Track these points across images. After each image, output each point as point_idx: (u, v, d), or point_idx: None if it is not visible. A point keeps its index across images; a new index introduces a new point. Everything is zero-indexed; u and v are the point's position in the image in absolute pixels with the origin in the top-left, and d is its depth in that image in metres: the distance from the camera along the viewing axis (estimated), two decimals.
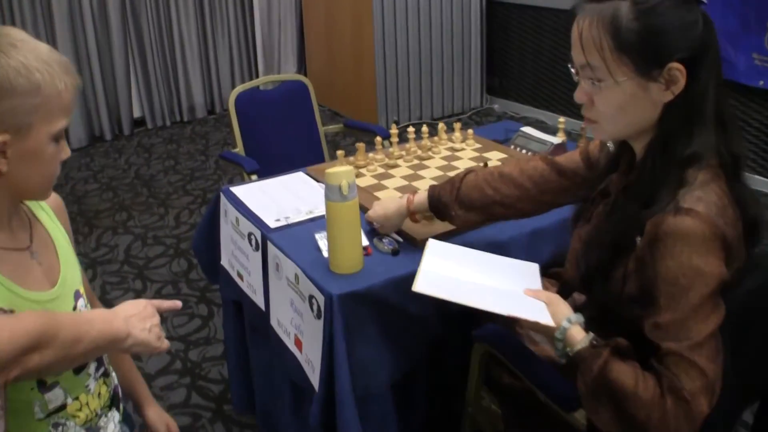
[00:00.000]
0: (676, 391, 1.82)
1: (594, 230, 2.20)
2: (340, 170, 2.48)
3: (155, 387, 3.95)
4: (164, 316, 4.54)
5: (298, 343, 2.71)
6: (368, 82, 7.70)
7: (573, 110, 7.40)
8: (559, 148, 3.51)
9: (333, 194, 2.48)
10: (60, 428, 1.83)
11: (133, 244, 5.63)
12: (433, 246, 2.59)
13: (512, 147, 3.63)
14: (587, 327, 2.09)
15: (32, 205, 1.91)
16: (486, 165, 3.19)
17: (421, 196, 2.74)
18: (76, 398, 1.87)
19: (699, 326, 1.84)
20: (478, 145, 3.67)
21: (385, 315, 2.58)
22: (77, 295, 1.91)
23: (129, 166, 7.26)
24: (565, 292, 2.37)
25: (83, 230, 5.86)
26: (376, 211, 2.83)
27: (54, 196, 1.97)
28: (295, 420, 2.94)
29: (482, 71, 8.38)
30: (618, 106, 1.98)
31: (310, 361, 2.62)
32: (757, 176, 6.12)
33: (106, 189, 6.72)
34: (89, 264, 5.29)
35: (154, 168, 7.18)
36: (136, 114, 8.28)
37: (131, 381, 2.30)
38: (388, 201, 2.85)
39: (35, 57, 1.63)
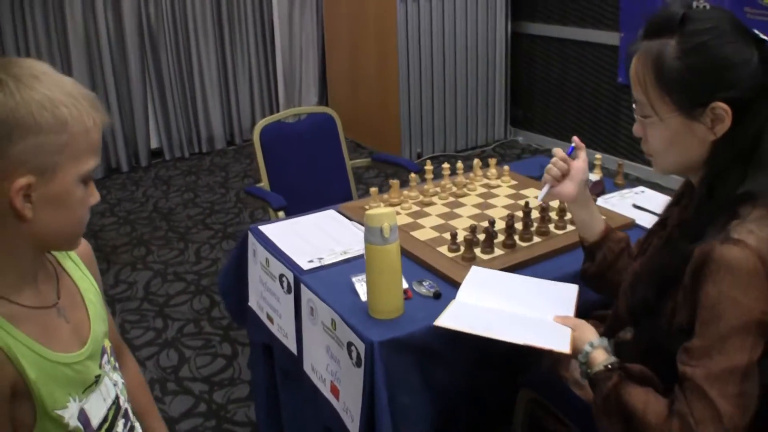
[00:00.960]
0: (682, 415, 1.83)
1: (645, 263, 2.20)
2: (382, 212, 2.37)
3: (179, 431, 3.83)
4: (186, 356, 4.43)
5: (335, 391, 2.60)
6: (392, 113, 7.64)
7: (598, 143, 7.32)
8: (597, 186, 3.42)
9: (374, 237, 2.36)
10: None
11: (153, 280, 5.51)
12: (474, 273, 2.62)
13: None
14: (637, 360, 2.07)
15: (58, 253, 1.77)
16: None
17: (601, 223, 2.52)
18: None
19: (719, 357, 1.82)
20: (514, 182, 3.57)
21: (426, 361, 2.48)
22: (103, 351, 1.79)
23: (147, 198, 7.17)
24: (615, 327, 2.33)
25: (101, 266, 5.72)
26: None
27: (83, 244, 1.83)
28: None
29: (506, 103, 8.31)
30: (666, 141, 1.99)
31: (349, 409, 2.51)
32: None
33: (124, 223, 6.61)
34: (108, 301, 5.14)
35: (173, 201, 7.08)
36: (154, 145, 8.19)
37: None
38: None
39: (60, 90, 1.50)
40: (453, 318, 2.36)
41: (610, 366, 2.04)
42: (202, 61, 8.18)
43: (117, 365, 1.88)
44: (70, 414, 1.61)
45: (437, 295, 2.59)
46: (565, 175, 2.47)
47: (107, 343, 1.83)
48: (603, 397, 2.01)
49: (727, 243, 1.81)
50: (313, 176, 4.47)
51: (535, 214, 3.07)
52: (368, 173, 7.32)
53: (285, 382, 3.11)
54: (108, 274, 5.61)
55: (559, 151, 2.50)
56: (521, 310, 2.40)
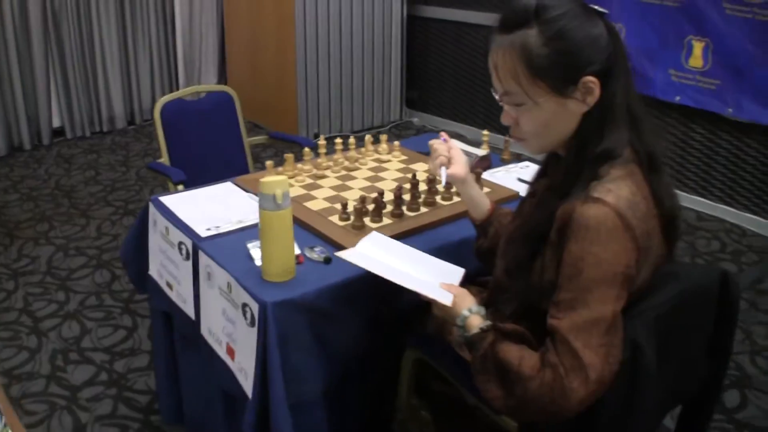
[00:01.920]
0: (553, 365, 1.97)
1: (518, 225, 2.34)
2: (275, 179, 2.50)
3: (81, 399, 3.93)
4: (88, 328, 4.53)
5: (231, 352, 2.73)
6: (290, 94, 7.73)
7: (492, 124, 7.48)
8: (484, 160, 3.58)
9: (267, 203, 2.50)
10: None
11: (55, 255, 5.57)
12: (373, 236, 2.75)
13: None
14: (514, 318, 2.25)
15: None
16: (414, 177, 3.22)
17: (487, 202, 2.74)
18: None
19: (581, 310, 1.96)
20: (404, 157, 3.72)
21: (318, 322, 2.61)
22: None
23: (49, 176, 7.18)
24: (495, 291, 2.46)
25: (4, 241, 5.80)
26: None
27: None
28: (227, 429, 2.95)
29: (402, 85, 8.45)
30: (541, 123, 2.12)
31: (243, 369, 2.64)
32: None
33: (27, 199, 6.64)
34: (10, 275, 5.24)
35: (75, 179, 7.11)
36: (56, 124, 8.17)
37: None
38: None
39: None
40: (355, 256, 2.54)
41: (485, 328, 2.18)
42: (103, 42, 8.16)
43: None
44: None
45: (328, 260, 2.73)
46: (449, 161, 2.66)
47: None
48: (480, 356, 2.14)
49: (587, 202, 1.97)
50: (212, 153, 4.59)
51: (422, 186, 3.20)
52: (266, 152, 7.41)
53: (183, 348, 3.23)
54: (11, 248, 5.66)
55: (436, 141, 2.71)
56: (415, 273, 2.54)
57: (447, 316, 2.35)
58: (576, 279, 1.97)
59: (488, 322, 2.20)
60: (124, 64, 8.43)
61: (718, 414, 3.77)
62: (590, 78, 2.02)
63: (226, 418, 2.94)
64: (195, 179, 3.97)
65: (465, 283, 2.57)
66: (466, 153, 3.59)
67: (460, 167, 2.66)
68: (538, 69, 2.04)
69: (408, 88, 8.57)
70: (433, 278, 2.51)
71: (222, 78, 9.11)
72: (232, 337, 2.71)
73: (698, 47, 5.93)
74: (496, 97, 2.20)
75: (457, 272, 2.61)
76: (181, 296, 3.05)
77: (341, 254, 2.55)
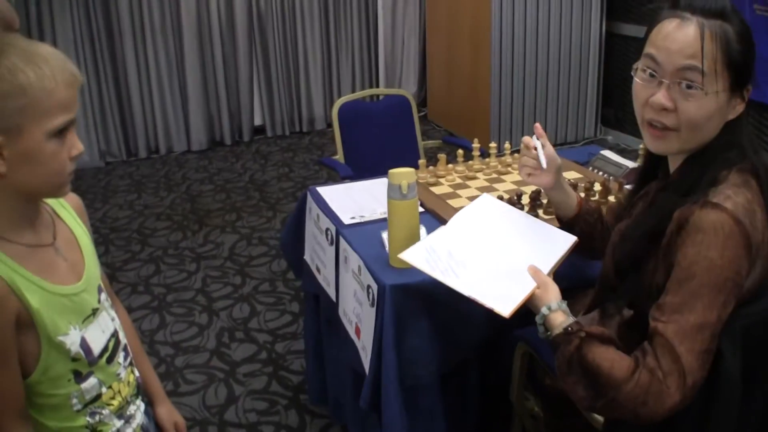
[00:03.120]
0: (650, 369, 1.94)
1: (632, 223, 2.31)
2: (402, 171, 2.67)
3: (239, 373, 4.20)
4: (257, 311, 4.79)
5: (357, 331, 2.89)
6: (483, 107, 7.77)
7: None
8: (632, 173, 3.62)
9: (394, 193, 2.67)
10: (97, 416, 1.95)
11: (238, 242, 5.90)
12: (483, 200, 2.71)
13: (590, 168, 3.75)
14: (624, 328, 2.24)
15: (54, 204, 1.99)
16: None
17: (575, 199, 2.69)
18: (110, 387, 1.98)
19: (689, 315, 1.94)
20: None
21: (435, 309, 2.72)
22: (99, 289, 2.01)
23: (245, 170, 7.56)
24: (602, 292, 2.42)
25: (193, 227, 6.18)
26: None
27: (74, 197, 2.06)
28: (356, 408, 3.07)
29: (598, 102, 8.34)
30: (705, 115, 2.06)
31: (365, 347, 2.80)
32: None
33: (220, 191, 7.02)
34: (194, 258, 5.61)
35: (269, 174, 7.45)
36: (257, 122, 8.58)
37: (147, 378, 2.30)
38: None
39: (23, 59, 1.68)
40: (415, 254, 2.43)
41: (569, 329, 2.11)
42: (306, 46, 8.49)
43: (112, 304, 2.11)
44: (71, 340, 1.84)
45: None
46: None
47: (102, 285, 2.06)
48: (566, 360, 2.09)
49: (705, 207, 1.96)
50: (384, 153, 4.78)
51: None
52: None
53: (328, 331, 3.43)
54: (199, 234, 6.04)
55: (528, 141, 2.66)
56: (502, 250, 2.45)
57: (531, 307, 2.27)
58: (687, 283, 1.96)
59: (572, 320, 2.15)
60: (326, 68, 8.73)
61: None
62: (749, 89, 2.10)
63: (354, 398, 3.06)
64: (365, 176, 4.13)
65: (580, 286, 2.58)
66: (619, 165, 3.66)
67: (546, 176, 2.63)
68: (731, 61, 2.04)
69: (604, 105, 8.47)
70: (533, 251, 2.43)
71: (422, 86, 9.28)
72: (359, 317, 2.88)
73: None
74: (648, 71, 2.20)
75: (566, 239, 2.54)
76: (326, 279, 3.25)
77: (402, 256, 2.44)
